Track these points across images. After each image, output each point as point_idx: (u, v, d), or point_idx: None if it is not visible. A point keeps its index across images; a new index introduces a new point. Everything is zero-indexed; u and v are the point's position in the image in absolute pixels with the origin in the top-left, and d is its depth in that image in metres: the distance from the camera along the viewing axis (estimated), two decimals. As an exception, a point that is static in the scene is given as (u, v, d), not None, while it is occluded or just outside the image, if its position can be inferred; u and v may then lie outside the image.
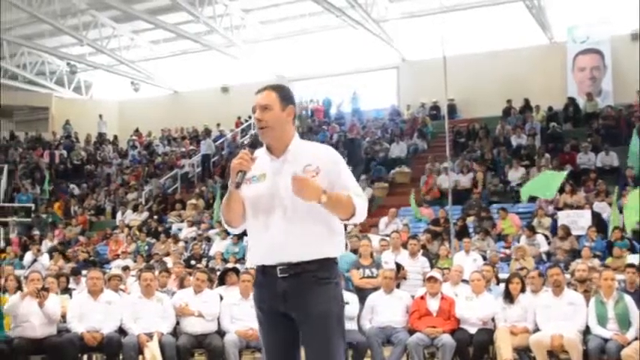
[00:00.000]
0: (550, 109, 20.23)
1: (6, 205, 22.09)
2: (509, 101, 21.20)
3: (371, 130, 22.58)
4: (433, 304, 8.14)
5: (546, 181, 13.28)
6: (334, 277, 3.48)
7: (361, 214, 3.41)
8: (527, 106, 21.01)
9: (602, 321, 7.46)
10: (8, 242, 18.45)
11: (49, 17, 23.08)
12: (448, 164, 14.61)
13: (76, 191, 23.01)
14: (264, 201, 3.44)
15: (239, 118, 25.19)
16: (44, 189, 23.30)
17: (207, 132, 24.31)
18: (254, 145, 3.56)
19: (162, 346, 7.58)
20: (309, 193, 3.26)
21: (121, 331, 7.90)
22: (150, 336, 7.62)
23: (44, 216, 21.20)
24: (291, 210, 3.39)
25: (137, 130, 27.11)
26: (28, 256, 15.81)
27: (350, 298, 8.28)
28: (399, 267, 9.98)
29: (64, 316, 7.97)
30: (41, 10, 22.73)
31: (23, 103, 29.30)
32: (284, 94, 3.52)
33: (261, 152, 3.55)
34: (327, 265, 3.46)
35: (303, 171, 3.38)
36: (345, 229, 11.38)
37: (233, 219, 3.56)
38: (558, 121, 19.80)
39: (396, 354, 7.91)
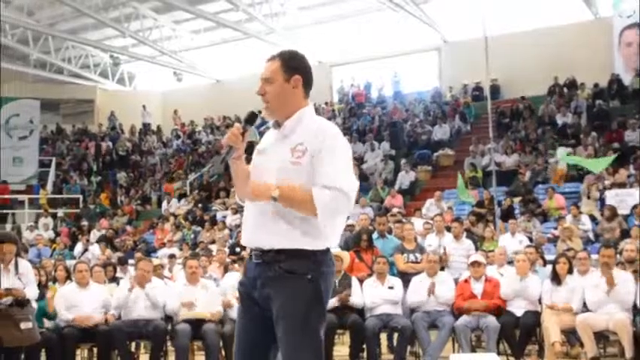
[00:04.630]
0: (596, 86, 19.82)
1: (55, 196, 22.54)
2: (555, 78, 20.83)
3: (413, 112, 22.43)
4: (477, 287, 8.07)
5: (596, 162, 13.30)
6: (308, 271, 3.08)
7: (326, 211, 3.00)
8: (572, 84, 20.62)
9: (653, 301, 7.30)
10: (57, 233, 18.80)
11: (92, 11, 23.37)
12: (492, 145, 14.42)
13: (123, 181, 23.37)
14: (255, 177, 3.20)
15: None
16: (91, 180, 23.71)
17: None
18: (251, 120, 3.40)
19: (206, 334, 7.64)
20: (257, 194, 3.06)
21: (167, 319, 8.00)
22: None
23: (92, 207, 21.58)
24: None
25: (176, 112, 27.34)
26: (79, 247, 16.09)
27: (394, 282, 8.27)
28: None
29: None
30: (84, 3, 23.02)
31: (69, 96, 29.73)
32: (289, 63, 3.20)
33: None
34: (300, 257, 3.08)
35: (293, 149, 3.12)
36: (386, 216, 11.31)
37: (240, 194, 3.36)
38: (604, 98, 19.40)
39: (442, 337, 7.87)
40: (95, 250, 15.40)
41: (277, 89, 3.17)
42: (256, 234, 3.16)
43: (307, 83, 3.24)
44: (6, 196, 21.99)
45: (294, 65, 3.21)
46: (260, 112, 3.23)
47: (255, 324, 3.22)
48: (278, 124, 3.26)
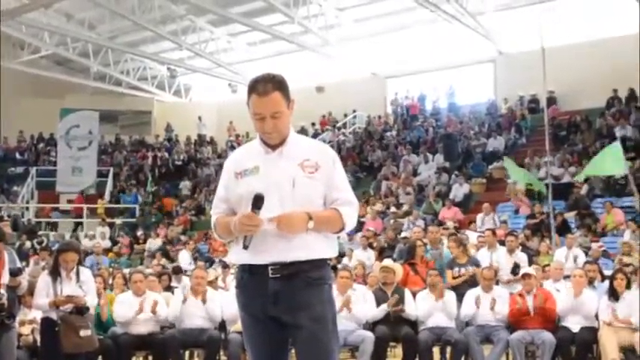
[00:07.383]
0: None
1: (112, 206, 22.99)
2: (615, 90, 20.43)
3: (467, 124, 22.26)
4: (530, 301, 7.93)
5: (608, 158, 12.18)
6: (328, 278, 3.30)
7: (351, 225, 3.30)
8: (632, 97, 20.20)
9: None
10: (115, 242, 19.15)
11: (150, 24, 23.86)
12: (548, 158, 14.19)
13: (184, 191, 23.70)
14: (258, 195, 3.13)
15: (323, 116, 25.61)
16: (148, 190, 24.11)
17: (303, 132, 24.57)
18: (258, 204, 3.20)
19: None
20: (297, 226, 3.10)
21: (222, 328, 8.08)
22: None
23: (148, 216, 21.92)
24: (289, 205, 3.15)
25: (231, 123, 27.78)
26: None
27: (447, 295, 8.19)
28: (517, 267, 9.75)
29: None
30: (143, 17, 23.52)
31: (127, 108, 30.39)
32: (286, 90, 3.28)
33: (254, 143, 3.36)
34: (321, 266, 3.25)
35: (301, 165, 3.21)
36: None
37: (228, 239, 3.43)
38: (666, 110, 18.95)
39: (497, 352, 7.78)
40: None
41: (285, 119, 3.26)
42: (274, 249, 3.17)
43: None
44: (71, 206, 22.58)
45: (287, 89, 3.29)
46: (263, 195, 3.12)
47: (275, 339, 3.29)
48: (267, 145, 3.29)
